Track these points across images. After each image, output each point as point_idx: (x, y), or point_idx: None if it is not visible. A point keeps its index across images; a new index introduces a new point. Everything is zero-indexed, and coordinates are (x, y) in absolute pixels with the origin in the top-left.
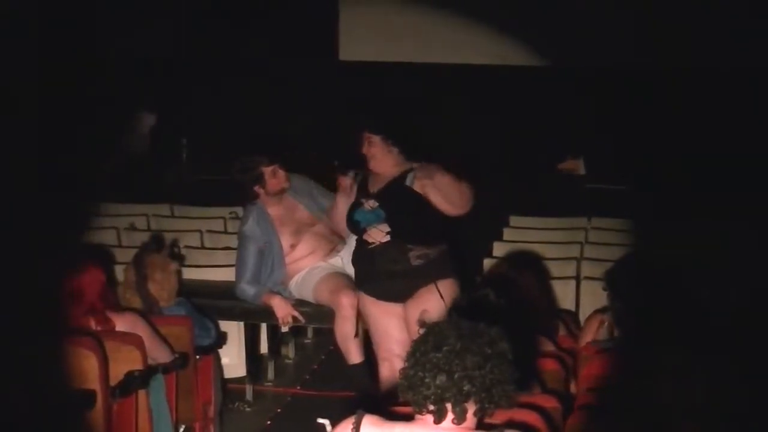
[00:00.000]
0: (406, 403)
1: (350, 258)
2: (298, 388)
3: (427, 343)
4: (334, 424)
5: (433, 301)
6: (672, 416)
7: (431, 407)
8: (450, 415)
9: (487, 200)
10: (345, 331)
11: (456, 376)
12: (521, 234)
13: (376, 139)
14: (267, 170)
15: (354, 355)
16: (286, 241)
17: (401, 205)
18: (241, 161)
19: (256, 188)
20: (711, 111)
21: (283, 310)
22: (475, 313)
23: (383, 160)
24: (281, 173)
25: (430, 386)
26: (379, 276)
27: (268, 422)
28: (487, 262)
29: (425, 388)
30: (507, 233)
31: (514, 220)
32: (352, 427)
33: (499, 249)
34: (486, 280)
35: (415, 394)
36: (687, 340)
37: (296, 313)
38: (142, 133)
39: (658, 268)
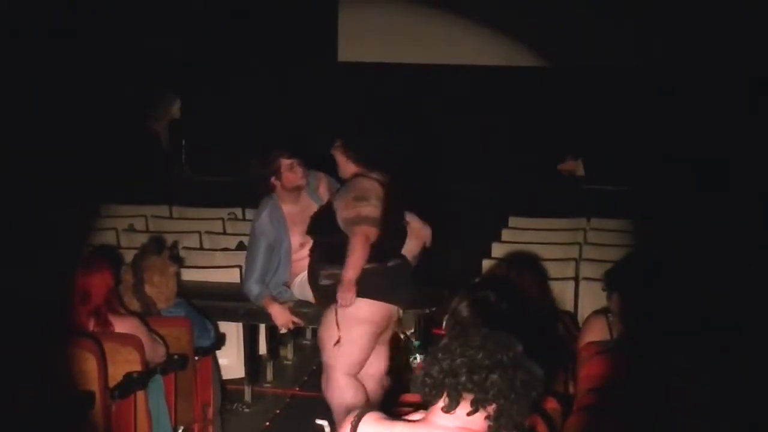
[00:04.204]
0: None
1: None
2: (297, 389)
3: (454, 335)
4: (332, 425)
5: (326, 323)
6: (673, 416)
7: (432, 391)
8: (441, 403)
9: (486, 201)
10: None
11: (458, 362)
12: (520, 235)
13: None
14: (285, 163)
15: None
16: (296, 239)
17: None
18: (262, 154)
19: (273, 180)
20: (710, 111)
21: (282, 319)
22: (474, 313)
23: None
24: (299, 170)
25: (434, 367)
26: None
27: (267, 423)
28: (486, 263)
29: (431, 368)
30: (506, 234)
31: (513, 220)
32: (352, 420)
33: (498, 250)
34: (485, 281)
35: (423, 373)
36: (687, 339)
37: (296, 319)
38: (168, 119)
39: (657, 268)
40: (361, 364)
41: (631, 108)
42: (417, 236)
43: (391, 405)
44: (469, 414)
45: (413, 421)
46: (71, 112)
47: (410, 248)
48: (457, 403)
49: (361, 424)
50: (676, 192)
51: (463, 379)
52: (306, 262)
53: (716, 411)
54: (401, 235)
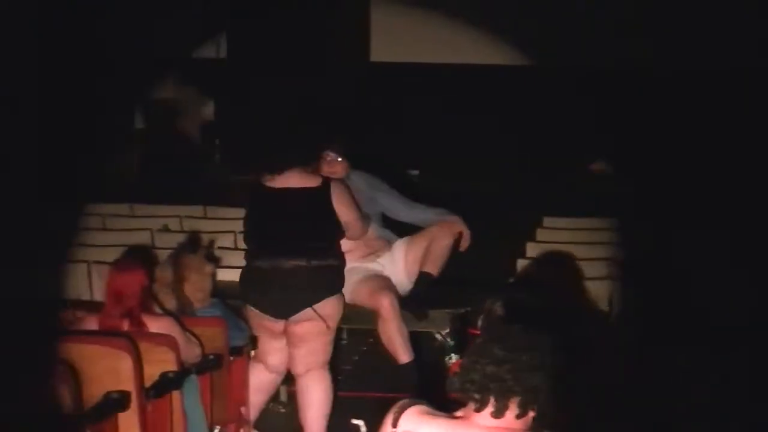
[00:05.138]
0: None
1: (393, 266)
2: None
3: (492, 336)
4: (368, 424)
5: None
6: (675, 416)
7: (475, 395)
8: (490, 408)
9: (520, 201)
10: (390, 332)
11: (505, 368)
12: (555, 235)
13: None
14: (326, 156)
15: (402, 354)
16: None
17: None
18: (301, 144)
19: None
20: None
21: None
22: (509, 313)
23: None
24: (339, 165)
25: (479, 372)
26: None
27: None
28: (521, 263)
29: (474, 372)
30: (540, 234)
31: (547, 220)
32: (395, 413)
33: (532, 250)
34: (520, 281)
35: (463, 379)
36: (687, 339)
37: None
38: (201, 120)
39: (662, 269)
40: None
41: (660, 108)
42: (448, 236)
43: (435, 402)
44: (517, 417)
45: (455, 417)
46: (97, 113)
47: (440, 249)
48: (506, 408)
49: (402, 417)
50: (698, 194)
51: (511, 384)
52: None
53: (717, 411)
54: (281, 240)
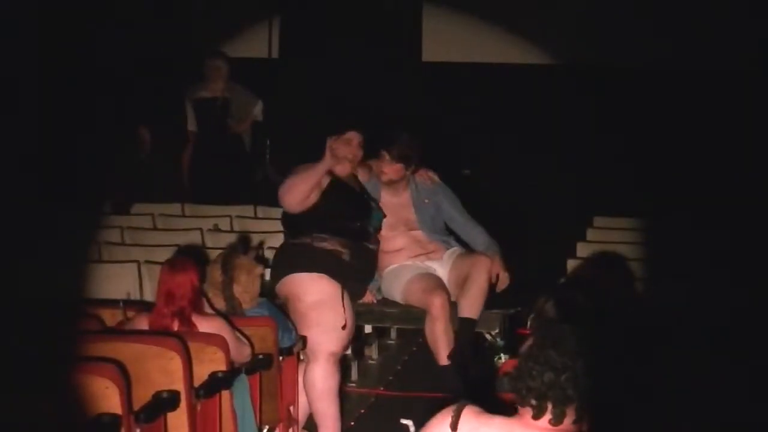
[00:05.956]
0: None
1: (446, 270)
2: (382, 389)
3: (546, 340)
4: (418, 424)
5: None
6: (675, 416)
7: (533, 402)
8: (548, 415)
9: (570, 200)
10: (436, 331)
11: (563, 377)
12: (605, 234)
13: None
14: (384, 158)
15: (444, 355)
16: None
17: None
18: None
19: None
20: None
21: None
22: (560, 313)
23: None
24: (385, 161)
25: (536, 380)
26: None
27: (352, 423)
28: (571, 263)
29: (531, 380)
30: (590, 233)
31: (597, 220)
32: (452, 414)
33: (583, 249)
34: (571, 281)
35: (520, 385)
36: (687, 339)
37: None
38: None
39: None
40: None
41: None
42: (485, 274)
43: (485, 402)
44: (574, 422)
45: (511, 417)
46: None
47: (477, 286)
48: (564, 415)
49: (461, 419)
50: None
51: (570, 392)
52: (389, 257)
53: (717, 410)
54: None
